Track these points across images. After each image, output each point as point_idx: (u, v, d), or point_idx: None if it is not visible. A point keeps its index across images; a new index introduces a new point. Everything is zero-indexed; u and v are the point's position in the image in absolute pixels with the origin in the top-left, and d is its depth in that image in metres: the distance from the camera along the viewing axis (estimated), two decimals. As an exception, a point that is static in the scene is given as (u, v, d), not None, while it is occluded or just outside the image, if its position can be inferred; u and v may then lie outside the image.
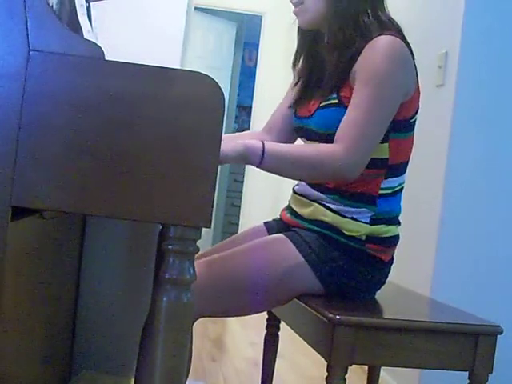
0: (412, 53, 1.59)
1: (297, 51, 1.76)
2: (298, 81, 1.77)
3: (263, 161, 1.46)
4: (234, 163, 1.48)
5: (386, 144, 1.59)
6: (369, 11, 1.59)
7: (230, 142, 1.45)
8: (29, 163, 1.06)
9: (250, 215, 6.11)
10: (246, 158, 1.46)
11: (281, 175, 1.53)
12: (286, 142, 1.76)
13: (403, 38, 1.58)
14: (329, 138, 1.56)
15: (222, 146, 1.40)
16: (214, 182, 1.10)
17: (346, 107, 1.55)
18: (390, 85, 1.53)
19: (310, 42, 1.73)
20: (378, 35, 1.56)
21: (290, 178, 1.57)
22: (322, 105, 1.63)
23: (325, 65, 1.67)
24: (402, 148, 1.63)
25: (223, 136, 1.62)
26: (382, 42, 1.54)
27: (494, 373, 1.53)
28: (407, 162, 1.66)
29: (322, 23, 1.65)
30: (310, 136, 1.67)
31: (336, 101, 1.59)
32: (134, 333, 1.90)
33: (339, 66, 1.59)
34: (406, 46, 1.57)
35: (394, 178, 1.63)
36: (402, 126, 1.60)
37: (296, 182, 1.77)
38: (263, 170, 1.48)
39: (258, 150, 1.46)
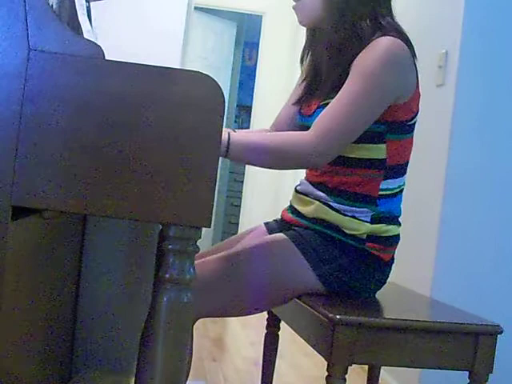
0: (415, 55, 1.58)
1: (304, 47, 1.76)
2: (305, 78, 1.77)
3: (229, 151, 1.46)
4: None
5: (384, 145, 1.59)
6: (368, 18, 1.58)
7: None
8: (29, 163, 1.06)
9: (250, 215, 6.10)
10: None
11: (250, 164, 1.53)
12: None
13: (406, 41, 1.57)
14: None
15: None
16: (214, 181, 1.10)
17: None
18: (377, 85, 1.52)
19: (315, 41, 1.73)
20: (381, 35, 1.55)
21: (258, 166, 1.55)
22: (322, 104, 1.63)
23: (324, 64, 1.67)
24: (400, 149, 1.62)
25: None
26: (383, 43, 1.54)
27: (494, 373, 1.53)
28: (406, 164, 1.66)
29: (321, 21, 1.65)
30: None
31: (335, 100, 1.59)
32: (134, 333, 1.90)
33: (338, 66, 1.59)
34: (409, 49, 1.56)
35: (394, 180, 1.63)
36: (399, 128, 1.60)
37: (298, 181, 1.77)
38: (232, 159, 1.48)
39: (224, 141, 1.46)
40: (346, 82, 1.54)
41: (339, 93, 1.54)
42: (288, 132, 1.56)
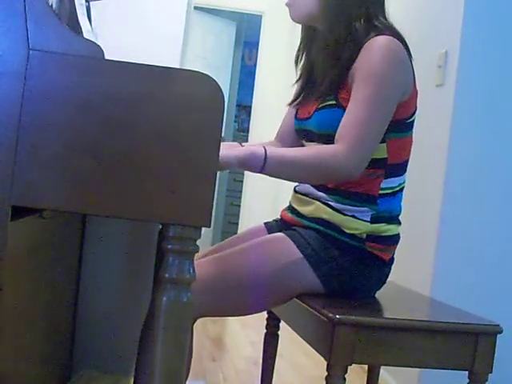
0: (410, 54, 1.59)
1: (299, 48, 1.76)
2: (299, 78, 1.77)
3: (265, 166, 1.46)
4: (237, 168, 1.48)
5: (384, 144, 1.59)
6: (362, 18, 1.59)
7: (232, 148, 1.45)
8: (29, 163, 1.06)
9: (250, 215, 6.10)
10: (248, 163, 1.45)
11: (284, 179, 1.53)
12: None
13: (401, 40, 1.58)
14: (328, 139, 1.56)
15: (225, 152, 1.40)
16: (214, 181, 1.10)
17: (344, 108, 1.56)
18: (388, 84, 1.53)
19: (311, 40, 1.73)
20: (376, 35, 1.56)
21: (293, 181, 1.58)
22: (320, 106, 1.63)
23: (319, 65, 1.67)
24: (400, 148, 1.63)
25: (233, 143, 1.63)
26: (379, 42, 1.54)
27: (494, 372, 1.53)
28: (407, 162, 1.67)
29: (315, 20, 1.65)
30: (309, 137, 1.67)
31: (334, 102, 1.59)
32: (134, 333, 1.90)
33: (333, 68, 1.59)
34: (404, 47, 1.57)
35: (394, 178, 1.63)
36: (399, 126, 1.60)
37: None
38: (266, 174, 1.48)
39: (260, 156, 1.46)
40: (355, 87, 1.54)
41: (353, 100, 1.54)
42: (318, 147, 1.57)
